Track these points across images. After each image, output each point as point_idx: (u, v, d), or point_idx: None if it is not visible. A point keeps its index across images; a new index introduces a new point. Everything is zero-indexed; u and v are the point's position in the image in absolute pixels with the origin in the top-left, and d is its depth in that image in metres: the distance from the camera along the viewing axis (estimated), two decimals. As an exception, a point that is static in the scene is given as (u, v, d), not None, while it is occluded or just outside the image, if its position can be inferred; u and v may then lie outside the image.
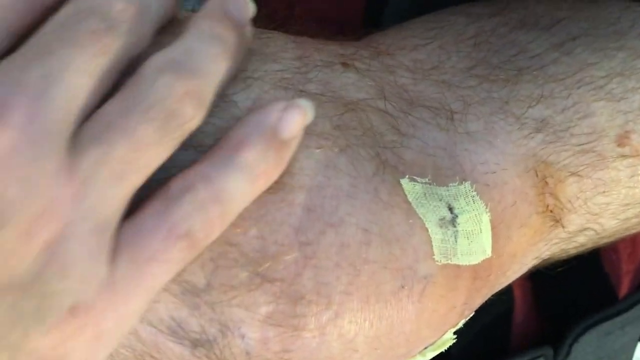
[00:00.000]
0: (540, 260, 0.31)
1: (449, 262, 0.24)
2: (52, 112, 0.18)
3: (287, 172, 0.22)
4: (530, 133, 0.27)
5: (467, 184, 0.25)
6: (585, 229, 0.30)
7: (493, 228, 0.26)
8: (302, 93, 0.23)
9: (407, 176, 0.24)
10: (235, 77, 0.23)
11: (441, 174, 0.25)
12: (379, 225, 0.23)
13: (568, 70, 0.28)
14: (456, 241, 0.24)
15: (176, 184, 0.21)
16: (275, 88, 0.23)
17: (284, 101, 0.22)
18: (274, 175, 0.22)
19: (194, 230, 0.20)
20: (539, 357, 0.38)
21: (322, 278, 0.22)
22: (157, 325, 0.22)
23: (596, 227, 0.30)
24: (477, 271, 0.26)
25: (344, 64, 0.25)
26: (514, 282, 0.37)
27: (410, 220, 0.23)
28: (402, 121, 0.25)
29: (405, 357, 0.26)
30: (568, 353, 0.39)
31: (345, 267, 0.22)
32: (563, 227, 0.29)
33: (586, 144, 0.28)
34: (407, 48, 0.27)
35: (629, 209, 0.31)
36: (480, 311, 0.36)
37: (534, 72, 0.28)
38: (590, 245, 0.33)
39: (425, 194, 0.24)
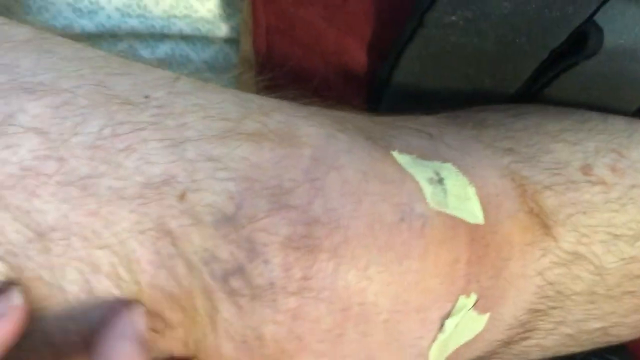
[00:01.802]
0: (547, 285, 0.32)
1: (443, 210, 0.28)
2: None
3: (295, 137, 0.28)
4: (501, 154, 0.33)
5: (450, 164, 0.30)
6: (580, 255, 0.33)
7: (481, 204, 0.29)
8: None
9: (396, 149, 0.29)
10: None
11: (425, 158, 0.30)
12: (375, 171, 0.27)
13: (527, 125, 0.35)
14: (446, 196, 0.28)
15: None
16: None
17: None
18: None
19: None
20: None
21: (330, 205, 0.26)
22: (191, 256, 0.25)
23: (592, 257, 0.33)
24: (474, 233, 0.28)
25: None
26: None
27: (403, 159, 0.28)
28: (388, 126, 0.31)
29: (421, 314, 0.26)
30: None
31: (348, 196, 0.26)
32: (554, 239, 0.32)
33: (554, 169, 0.33)
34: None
35: (620, 241, 0.33)
36: None
37: (498, 126, 0.35)
38: (599, 300, 0.34)
39: (413, 162, 0.29)
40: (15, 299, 0.23)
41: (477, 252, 0.27)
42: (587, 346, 0.37)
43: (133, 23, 0.40)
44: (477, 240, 0.27)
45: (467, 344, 0.30)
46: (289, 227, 0.24)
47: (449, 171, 0.29)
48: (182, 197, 0.24)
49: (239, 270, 0.24)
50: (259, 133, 0.27)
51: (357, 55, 0.39)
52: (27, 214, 0.23)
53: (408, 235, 0.26)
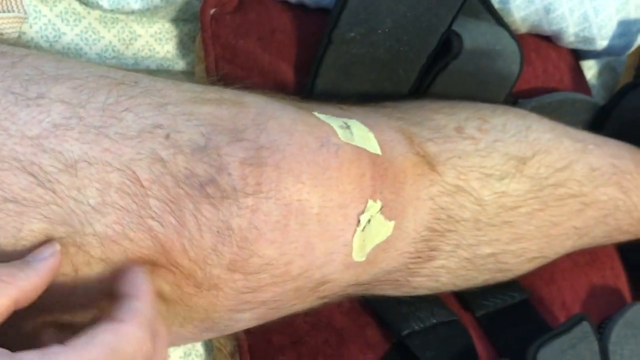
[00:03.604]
0: (439, 209, 0.43)
1: (350, 142, 0.39)
2: None
3: (243, 102, 0.39)
4: (394, 120, 0.45)
5: (355, 120, 0.41)
6: (461, 187, 0.44)
7: (379, 145, 0.41)
8: None
9: (316, 112, 0.41)
10: None
11: (335, 116, 0.42)
12: (301, 119, 0.38)
13: (414, 105, 0.48)
14: (353, 135, 0.40)
15: None
16: None
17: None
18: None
19: None
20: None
21: (271, 137, 0.37)
22: (177, 174, 0.34)
23: (471, 190, 0.44)
24: (375, 159, 0.39)
25: None
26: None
27: (321, 116, 0.39)
28: (311, 104, 0.43)
29: (342, 210, 0.37)
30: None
31: (284, 132, 0.37)
32: (439, 174, 0.43)
33: (434, 129, 0.45)
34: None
35: (491, 179, 0.45)
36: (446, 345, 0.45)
37: (393, 107, 0.47)
38: (484, 227, 0.45)
39: (328, 117, 0.41)
40: (57, 246, 0.32)
41: (379, 172, 0.38)
42: (485, 273, 0.48)
43: (109, 62, 0.52)
44: (378, 165, 0.39)
45: (383, 250, 0.41)
46: (244, 151, 0.35)
47: (354, 122, 0.40)
48: (167, 136, 0.34)
49: (212, 181, 0.34)
50: (218, 99, 0.38)
51: (288, 74, 0.51)
52: (59, 153, 0.33)
53: (327, 155, 0.37)
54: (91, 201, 0.32)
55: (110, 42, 0.51)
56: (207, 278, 0.34)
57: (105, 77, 0.35)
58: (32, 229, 0.31)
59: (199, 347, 0.50)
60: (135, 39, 0.52)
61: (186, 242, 0.33)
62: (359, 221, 0.36)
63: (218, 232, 0.33)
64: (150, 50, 0.52)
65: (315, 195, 0.35)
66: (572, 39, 0.57)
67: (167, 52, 0.53)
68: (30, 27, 0.48)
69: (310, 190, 0.35)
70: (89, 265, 0.32)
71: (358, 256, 0.37)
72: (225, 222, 0.33)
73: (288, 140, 0.35)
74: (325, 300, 0.40)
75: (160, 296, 0.34)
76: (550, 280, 0.53)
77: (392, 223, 0.39)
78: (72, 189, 0.31)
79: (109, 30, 0.51)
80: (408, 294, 0.46)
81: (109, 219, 0.32)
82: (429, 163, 0.41)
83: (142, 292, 0.30)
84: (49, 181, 0.31)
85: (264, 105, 0.37)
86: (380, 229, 0.38)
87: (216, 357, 0.49)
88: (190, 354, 0.49)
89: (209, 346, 0.50)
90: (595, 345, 0.46)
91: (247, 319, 0.37)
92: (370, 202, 0.37)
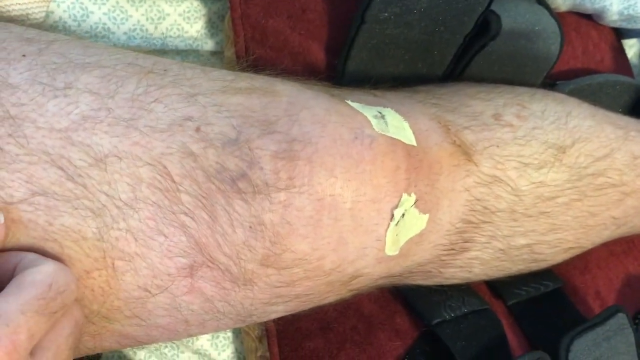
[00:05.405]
0: (474, 201, 0.41)
1: (385, 133, 0.38)
2: None
3: (274, 91, 0.38)
4: (429, 107, 0.43)
5: (389, 108, 0.40)
6: (498, 178, 0.42)
7: (414, 134, 0.39)
8: None
9: (349, 101, 0.40)
10: None
11: (369, 104, 0.40)
12: (335, 109, 0.37)
13: (450, 90, 0.46)
14: (387, 125, 0.38)
15: None
16: None
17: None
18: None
19: None
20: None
21: (304, 129, 0.36)
22: (208, 168, 0.33)
23: (507, 180, 0.43)
24: (410, 150, 0.38)
25: None
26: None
27: (354, 104, 0.38)
28: (343, 91, 0.42)
29: (375, 204, 0.36)
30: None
31: (316, 123, 0.36)
32: (475, 164, 0.42)
33: (471, 116, 0.44)
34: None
35: (529, 168, 0.44)
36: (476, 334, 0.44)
37: (427, 91, 0.46)
38: (520, 218, 0.44)
39: (362, 106, 0.39)
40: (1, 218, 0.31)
41: (413, 164, 0.37)
42: (519, 264, 0.47)
43: (138, 43, 0.51)
44: (413, 156, 0.37)
45: (417, 243, 0.40)
46: (276, 144, 0.34)
47: (388, 111, 0.39)
48: (197, 129, 0.34)
49: (243, 175, 0.33)
50: (249, 88, 0.37)
51: (318, 54, 0.49)
52: (88, 147, 0.32)
53: (361, 148, 0.35)
54: (123, 196, 0.31)
55: (139, 21, 0.50)
56: (242, 273, 0.33)
57: (134, 65, 0.34)
58: (62, 223, 0.31)
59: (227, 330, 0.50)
60: (164, 18, 0.50)
61: (219, 237, 0.32)
62: (392, 215, 0.36)
63: (250, 227, 0.32)
64: (178, 29, 0.51)
65: (348, 189, 0.34)
66: (615, 17, 0.55)
67: (197, 31, 0.52)
68: (58, 6, 0.47)
69: (343, 185, 0.34)
70: (123, 261, 0.31)
71: (391, 250, 0.37)
72: (257, 218, 0.32)
73: (321, 132, 0.34)
74: (356, 292, 0.40)
75: (202, 296, 0.33)
76: (584, 269, 0.52)
77: (427, 216, 0.38)
78: (102, 183, 0.31)
79: (137, 9, 0.49)
80: (439, 284, 0.45)
81: (141, 214, 0.31)
82: (466, 153, 0.40)
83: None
84: (79, 175, 0.31)
85: (296, 94, 0.36)
86: (414, 222, 0.37)
87: (244, 340, 0.49)
88: (218, 336, 0.50)
89: (236, 329, 0.50)
90: (631, 337, 0.45)
91: (280, 311, 0.37)
92: (405, 195, 0.36)
